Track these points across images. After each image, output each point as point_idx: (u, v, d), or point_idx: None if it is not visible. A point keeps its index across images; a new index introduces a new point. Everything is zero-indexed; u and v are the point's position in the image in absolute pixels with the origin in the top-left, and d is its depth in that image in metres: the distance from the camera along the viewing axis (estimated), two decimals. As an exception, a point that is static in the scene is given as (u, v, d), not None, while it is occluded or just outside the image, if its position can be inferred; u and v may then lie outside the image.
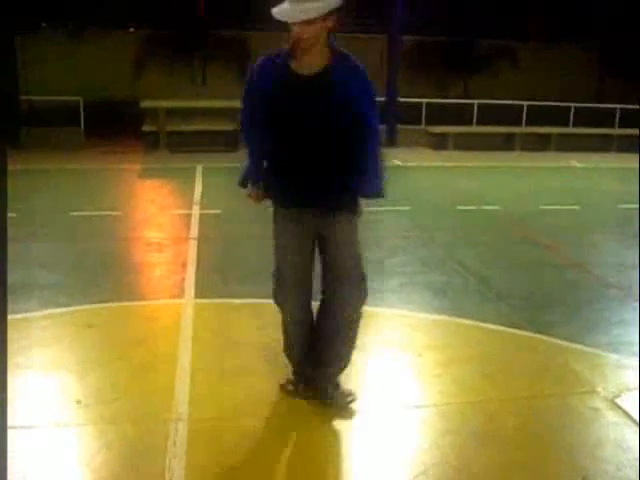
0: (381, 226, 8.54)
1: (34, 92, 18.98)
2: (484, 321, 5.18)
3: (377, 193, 3.60)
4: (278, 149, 3.53)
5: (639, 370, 4.29)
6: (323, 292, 3.77)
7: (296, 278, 3.71)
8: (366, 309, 5.28)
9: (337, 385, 3.86)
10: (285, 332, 3.92)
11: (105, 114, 18.18)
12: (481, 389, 4.10)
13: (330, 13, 3.25)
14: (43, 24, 23.03)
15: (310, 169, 3.50)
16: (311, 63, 3.38)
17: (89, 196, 10.43)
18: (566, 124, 18.25)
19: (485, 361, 4.49)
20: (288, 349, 3.96)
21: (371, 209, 9.50)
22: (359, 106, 3.46)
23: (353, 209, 3.62)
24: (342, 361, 3.84)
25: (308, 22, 3.22)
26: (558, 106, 18.27)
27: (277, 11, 3.24)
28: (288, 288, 3.73)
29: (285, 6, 3.25)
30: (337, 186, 3.52)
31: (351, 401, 3.82)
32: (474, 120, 18.11)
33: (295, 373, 3.97)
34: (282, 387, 3.96)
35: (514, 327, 5.09)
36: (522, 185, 12.50)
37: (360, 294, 3.71)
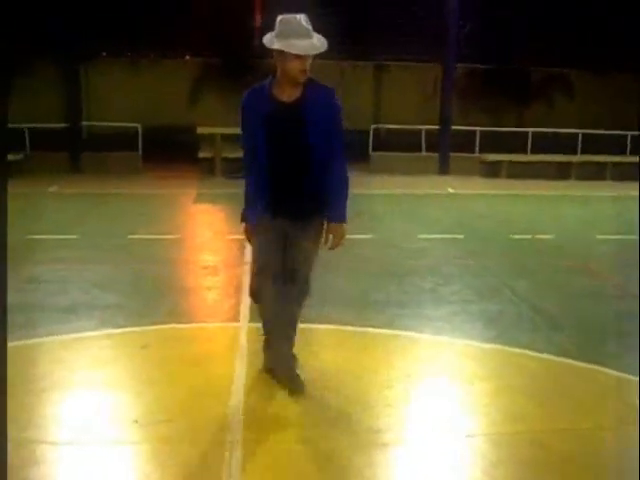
0: (434, 254, 8.55)
1: (94, 119, 19.51)
2: (537, 350, 5.14)
3: (340, 220, 4.12)
4: (266, 167, 4.02)
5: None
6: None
7: (277, 271, 4.17)
8: (419, 336, 5.37)
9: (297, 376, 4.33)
10: (267, 322, 4.35)
11: (162, 140, 18.58)
12: (534, 419, 4.06)
13: None
14: (103, 53, 23.65)
15: (293, 180, 4.03)
16: (291, 92, 3.95)
17: (146, 220, 10.67)
18: (622, 152, 18.01)
19: (538, 391, 4.45)
20: (272, 333, 4.38)
21: (423, 236, 9.51)
22: (328, 126, 3.98)
23: (320, 223, 4.15)
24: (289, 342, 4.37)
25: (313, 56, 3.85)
26: (614, 134, 18.06)
27: (304, 47, 3.79)
28: (271, 276, 4.15)
29: (300, 42, 3.78)
30: (311, 201, 4.07)
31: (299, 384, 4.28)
32: (528, 148, 18.00)
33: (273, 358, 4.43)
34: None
35: (568, 357, 5.03)
36: (577, 214, 12.37)
37: (303, 292, 4.29)
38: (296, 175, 4.02)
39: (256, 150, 4.04)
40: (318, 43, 3.86)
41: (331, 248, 4.17)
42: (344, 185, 4.13)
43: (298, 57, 3.81)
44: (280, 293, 4.25)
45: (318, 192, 4.06)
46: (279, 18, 3.88)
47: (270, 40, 3.87)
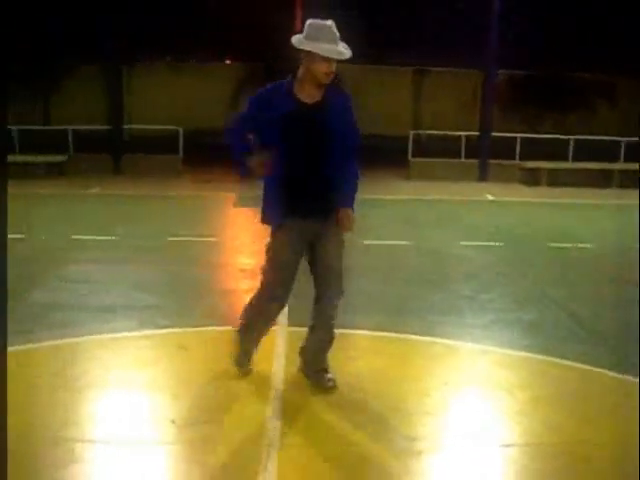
0: (472, 261, 8.50)
1: (136, 121, 19.75)
2: (576, 361, 5.06)
3: (349, 205, 4.20)
4: (287, 166, 4.07)
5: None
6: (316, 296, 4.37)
7: (291, 273, 4.28)
8: (457, 344, 5.33)
9: (325, 370, 4.42)
10: (259, 320, 4.46)
11: (202, 143, 18.74)
12: (572, 430, 4.00)
13: None
14: (145, 57, 23.92)
15: (312, 179, 4.12)
16: (314, 94, 4.08)
17: (185, 222, 10.77)
18: (666, 161, 17.71)
19: (577, 402, 4.39)
20: (256, 330, 4.50)
21: (462, 243, 9.44)
22: (346, 129, 4.14)
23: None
24: (325, 348, 4.45)
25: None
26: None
27: (333, 50, 3.92)
28: (284, 280, 4.28)
29: (331, 46, 3.93)
30: (328, 199, 4.16)
31: (332, 385, 4.36)
32: (569, 156, 17.78)
33: (247, 353, 4.52)
34: (246, 373, 4.50)
35: (608, 369, 4.95)
36: (618, 223, 12.17)
37: (340, 291, 4.33)
38: (313, 175, 4.12)
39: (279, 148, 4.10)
40: (344, 49, 3.99)
41: (345, 231, 4.25)
42: (355, 180, 4.27)
43: (326, 60, 3.94)
44: (318, 297, 4.35)
45: (334, 191, 4.16)
46: (309, 22, 4.03)
47: (299, 41, 3.99)
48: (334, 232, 4.24)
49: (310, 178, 4.13)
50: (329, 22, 3.98)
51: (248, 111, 4.23)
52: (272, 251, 4.28)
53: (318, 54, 3.92)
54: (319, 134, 4.07)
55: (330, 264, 4.28)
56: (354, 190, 4.26)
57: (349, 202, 4.21)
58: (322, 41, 3.91)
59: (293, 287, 4.32)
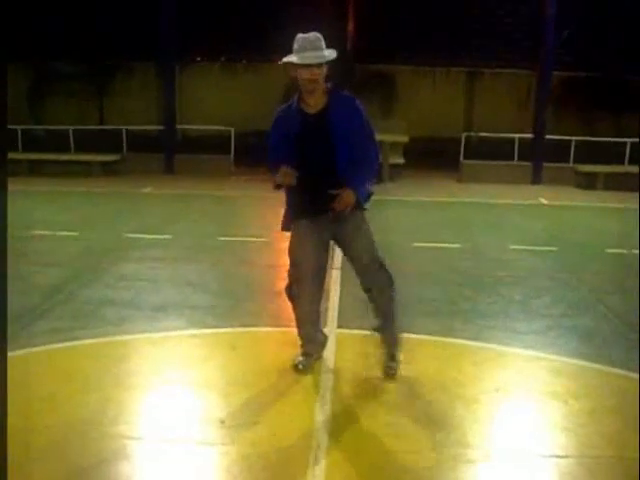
0: (525, 265, 8.36)
1: (188, 122, 19.94)
2: (634, 371, 4.92)
3: (355, 189, 4.29)
4: (301, 175, 4.26)
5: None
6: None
7: (314, 269, 4.46)
8: (508, 350, 5.23)
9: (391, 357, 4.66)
10: (300, 318, 4.62)
11: (254, 144, 18.79)
12: (631, 444, 3.86)
13: (328, 62, 4.21)
14: (198, 58, 24.14)
15: (323, 184, 4.26)
16: (315, 103, 4.31)
17: (236, 222, 10.83)
18: None
19: (634, 414, 4.23)
20: (304, 320, 4.63)
21: (514, 247, 9.28)
22: (355, 130, 4.32)
23: (358, 207, 4.39)
24: (387, 336, 4.67)
25: (319, 66, 4.17)
26: None
27: (305, 57, 4.14)
28: (307, 278, 4.45)
29: (307, 54, 4.14)
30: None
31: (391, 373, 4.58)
32: (626, 159, 17.39)
33: (305, 354, 4.67)
34: (295, 368, 4.61)
35: (668, 380, 4.80)
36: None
37: (381, 278, 4.51)
38: (327, 179, 4.27)
39: (285, 159, 4.29)
40: (320, 54, 4.17)
41: (334, 208, 4.28)
42: (371, 170, 4.50)
43: (306, 67, 4.16)
44: (372, 293, 4.56)
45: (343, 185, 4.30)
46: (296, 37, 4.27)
47: (286, 57, 4.25)
48: (355, 226, 4.43)
49: (320, 183, 4.28)
50: (311, 34, 4.21)
51: (272, 139, 4.45)
52: (290, 250, 4.53)
53: (292, 63, 4.19)
54: (325, 141, 4.28)
55: (360, 256, 4.48)
56: (366, 178, 4.44)
57: (354, 183, 4.31)
58: (301, 51, 4.16)
59: (325, 269, 4.58)
